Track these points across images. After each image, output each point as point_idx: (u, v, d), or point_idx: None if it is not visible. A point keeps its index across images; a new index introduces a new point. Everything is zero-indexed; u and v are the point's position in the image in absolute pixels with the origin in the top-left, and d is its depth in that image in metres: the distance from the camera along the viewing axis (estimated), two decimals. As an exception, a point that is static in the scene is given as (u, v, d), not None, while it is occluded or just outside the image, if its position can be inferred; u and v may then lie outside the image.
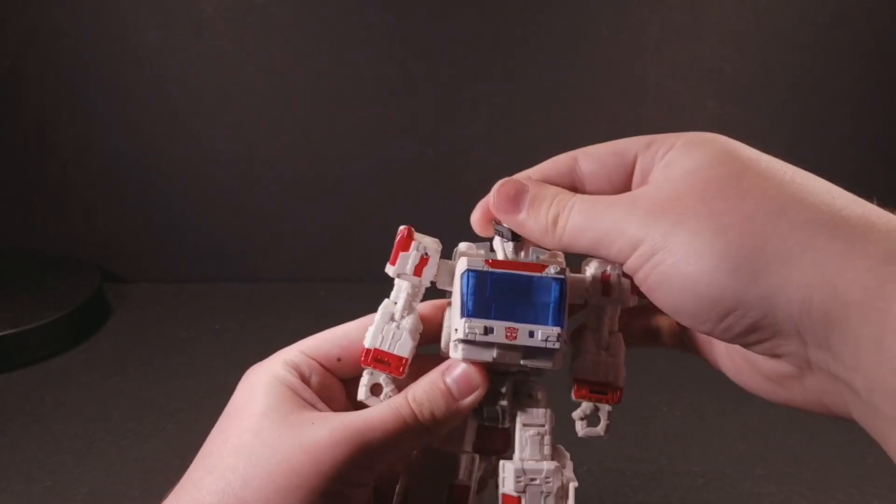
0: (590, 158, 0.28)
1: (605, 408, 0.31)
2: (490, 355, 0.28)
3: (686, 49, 0.74)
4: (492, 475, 0.31)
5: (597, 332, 0.31)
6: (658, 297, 0.25)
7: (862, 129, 0.78)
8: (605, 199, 0.26)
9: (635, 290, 0.30)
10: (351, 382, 0.32)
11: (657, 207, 0.24)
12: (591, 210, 0.26)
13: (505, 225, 0.29)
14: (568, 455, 0.30)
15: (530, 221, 0.28)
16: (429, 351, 0.31)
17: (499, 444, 0.31)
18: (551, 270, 0.28)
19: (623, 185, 0.28)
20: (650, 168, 0.27)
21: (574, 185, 0.29)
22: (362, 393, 0.30)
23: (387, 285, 0.31)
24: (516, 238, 0.29)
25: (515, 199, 0.28)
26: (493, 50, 0.74)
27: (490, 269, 0.28)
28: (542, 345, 0.27)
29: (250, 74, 0.75)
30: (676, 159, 0.26)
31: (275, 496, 0.25)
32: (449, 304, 0.31)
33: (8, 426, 0.56)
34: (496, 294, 0.28)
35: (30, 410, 0.58)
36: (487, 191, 0.32)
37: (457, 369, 0.29)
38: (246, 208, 0.80)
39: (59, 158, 0.78)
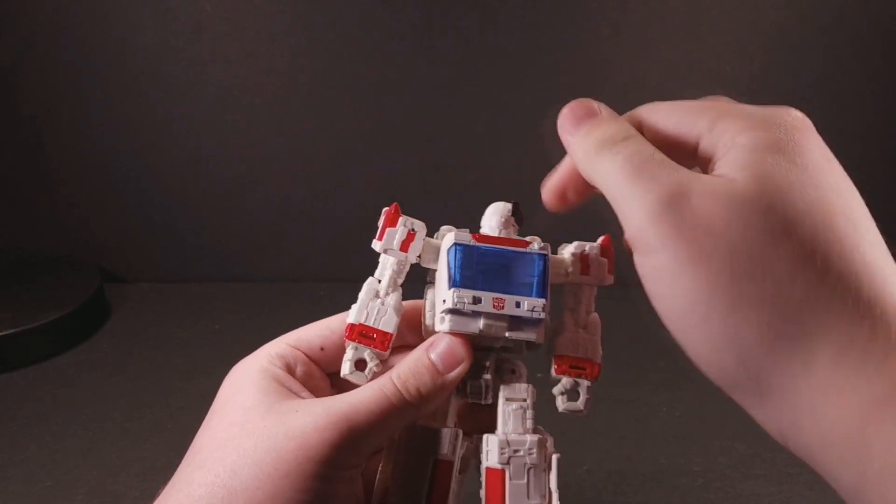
0: (655, 129, 0.27)
1: (584, 383, 0.31)
2: (477, 326, 0.28)
3: (686, 49, 0.74)
4: (474, 454, 0.31)
5: (575, 311, 0.32)
6: (647, 291, 0.24)
7: (862, 129, 0.78)
8: (652, 168, 0.24)
9: (611, 268, 0.31)
10: (335, 377, 0.32)
11: (678, 231, 0.23)
12: (634, 171, 0.24)
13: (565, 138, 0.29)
14: (547, 433, 0.31)
15: (577, 143, 0.27)
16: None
17: (482, 421, 0.31)
18: (535, 246, 0.29)
19: (689, 154, 0.26)
20: (711, 155, 0.25)
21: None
22: (346, 368, 0.30)
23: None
24: (519, 221, 0.30)
25: (582, 119, 0.27)
26: (493, 50, 0.74)
27: (477, 244, 0.29)
28: (529, 315, 0.28)
29: (250, 74, 0.75)
30: (728, 173, 0.23)
31: (264, 484, 0.25)
32: (430, 283, 0.31)
33: (8, 426, 0.56)
34: (482, 267, 0.28)
35: (30, 410, 0.58)
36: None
37: (441, 344, 0.29)
38: (246, 208, 0.80)
39: (59, 158, 0.78)
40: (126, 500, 0.48)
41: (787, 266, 0.21)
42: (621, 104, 0.28)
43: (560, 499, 0.29)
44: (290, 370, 0.30)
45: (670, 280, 0.23)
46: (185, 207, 0.80)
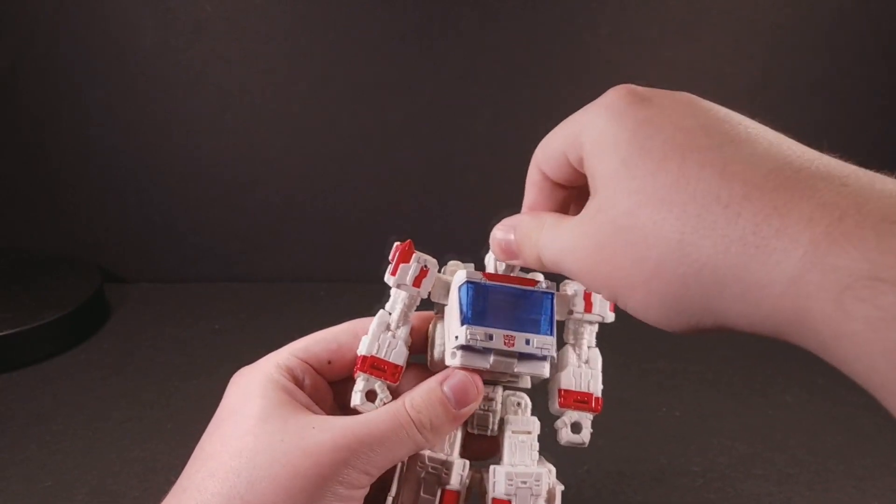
0: (546, 166, 0.29)
1: (587, 416, 0.32)
2: (487, 362, 0.29)
3: (686, 49, 0.74)
4: (476, 483, 0.31)
5: (577, 346, 0.33)
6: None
7: (863, 130, 0.78)
8: (560, 237, 0.26)
9: (613, 305, 0.32)
10: (338, 385, 0.32)
11: (590, 263, 0.25)
12: (552, 247, 0.27)
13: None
14: (551, 464, 0.31)
15: (527, 264, 0.29)
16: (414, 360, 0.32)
17: (485, 451, 0.32)
18: (543, 285, 0.30)
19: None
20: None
21: (561, 186, 0.29)
22: (357, 399, 0.30)
23: (386, 285, 0.32)
24: None
25: (508, 250, 0.29)
26: (493, 50, 0.74)
27: (487, 282, 0.30)
28: (537, 352, 0.29)
29: (250, 75, 0.75)
30: (592, 185, 0.25)
31: (279, 499, 0.26)
32: (439, 317, 0.32)
33: (8, 426, 0.56)
34: (493, 305, 0.29)
35: (30, 410, 0.58)
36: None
37: (455, 378, 0.29)
38: (246, 208, 0.81)
39: (59, 158, 0.78)
40: (126, 500, 0.48)
41: (655, 220, 0.22)
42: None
43: (560, 499, 0.30)
44: (298, 383, 0.31)
45: (628, 305, 0.24)
46: (185, 207, 0.80)
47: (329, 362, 0.32)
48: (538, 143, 0.29)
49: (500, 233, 0.29)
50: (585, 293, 0.32)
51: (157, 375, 0.63)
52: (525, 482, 0.29)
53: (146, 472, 0.51)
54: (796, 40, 0.74)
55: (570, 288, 0.33)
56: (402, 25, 0.73)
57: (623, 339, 0.64)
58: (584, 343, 0.33)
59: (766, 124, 0.24)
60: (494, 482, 0.30)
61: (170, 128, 0.77)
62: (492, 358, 0.29)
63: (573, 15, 0.72)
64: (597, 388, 0.32)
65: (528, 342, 0.29)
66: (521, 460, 0.30)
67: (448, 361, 0.30)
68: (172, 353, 0.67)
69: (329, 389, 0.32)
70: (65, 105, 0.76)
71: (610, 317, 0.32)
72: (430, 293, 0.31)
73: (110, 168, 0.79)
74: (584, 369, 0.32)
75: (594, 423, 0.33)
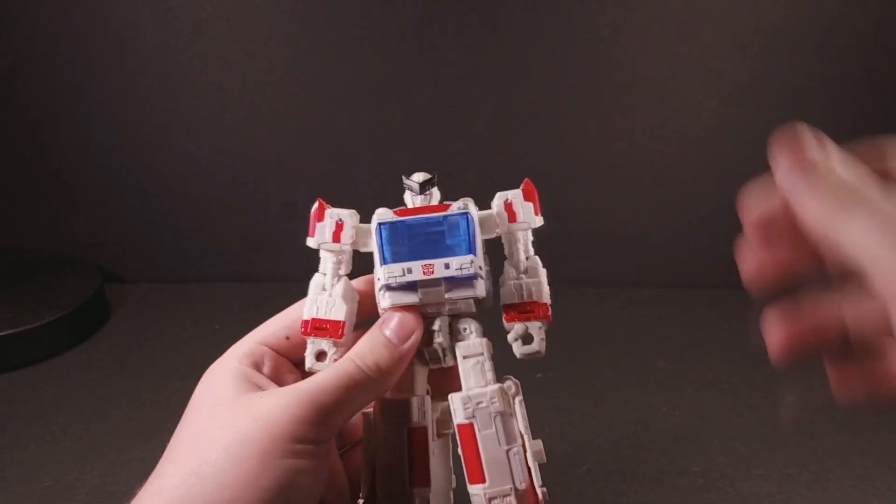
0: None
1: (535, 325, 0.32)
2: (415, 297, 0.30)
3: (686, 49, 0.74)
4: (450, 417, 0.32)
5: (513, 260, 0.32)
6: None
7: (862, 130, 0.78)
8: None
9: (538, 209, 0.32)
10: (303, 365, 0.33)
11: None
12: (878, 234, 0.20)
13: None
14: (513, 378, 0.32)
15: (810, 198, 0.22)
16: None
17: (453, 384, 0.32)
18: (454, 208, 0.30)
19: None
20: None
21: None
22: (308, 361, 0.31)
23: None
24: (423, 191, 0.32)
25: (805, 168, 0.23)
26: (494, 49, 0.74)
27: (400, 219, 0.30)
28: (458, 273, 0.29)
29: (250, 74, 0.75)
30: None
31: (232, 466, 0.26)
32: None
33: (8, 426, 0.56)
34: (409, 239, 0.30)
35: (30, 410, 0.58)
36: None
37: (393, 319, 0.30)
38: (246, 208, 0.81)
39: (59, 158, 0.78)
40: (126, 500, 0.48)
41: None
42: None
43: (521, 410, 0.30)
44: (257, 368, 0.31)
45: None
46: (185, 207, 0.80)
47: (287, 337, 0.33)
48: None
49: (803, 147, 0.23)
50: (506, 204, 0.31)
51: (157, 375, 0.63)
52: (481, 402, 0.30)
53: (146, 472, 0.51)
54: (796, 40, 0.74)
55: (493, 204, 0.32)
56: (402, 25, 0.73)
57: (623, 338, 0.63)
58: (520, 254, 0.32)
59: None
60: (454, 409, 0.30)
61: (170, 128, 0.77)
62: (419, 291, 0.29)
63: (573, 15, 0.72)
64: (541, 295, 0.32)
65: (447, 266, 0.29)
66: (476, 383, 0.30)
67: (380, 303, 0.31)
68: (172, 353, 0.67)
69: (294, 370, 0.33)
70: (65, 105, 0.76)
71: (537, 221, 0.32)
72: (356, 244, 0.32)
73: (110, 168, 0.79)
74: (524, 280, 0.32)
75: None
